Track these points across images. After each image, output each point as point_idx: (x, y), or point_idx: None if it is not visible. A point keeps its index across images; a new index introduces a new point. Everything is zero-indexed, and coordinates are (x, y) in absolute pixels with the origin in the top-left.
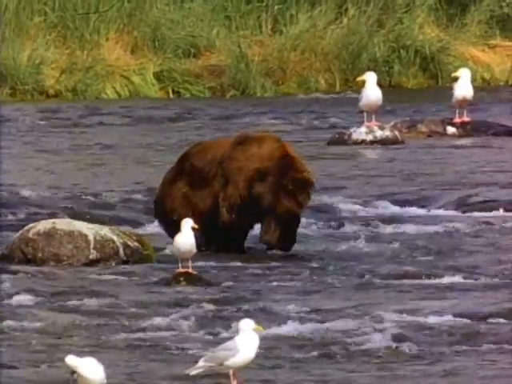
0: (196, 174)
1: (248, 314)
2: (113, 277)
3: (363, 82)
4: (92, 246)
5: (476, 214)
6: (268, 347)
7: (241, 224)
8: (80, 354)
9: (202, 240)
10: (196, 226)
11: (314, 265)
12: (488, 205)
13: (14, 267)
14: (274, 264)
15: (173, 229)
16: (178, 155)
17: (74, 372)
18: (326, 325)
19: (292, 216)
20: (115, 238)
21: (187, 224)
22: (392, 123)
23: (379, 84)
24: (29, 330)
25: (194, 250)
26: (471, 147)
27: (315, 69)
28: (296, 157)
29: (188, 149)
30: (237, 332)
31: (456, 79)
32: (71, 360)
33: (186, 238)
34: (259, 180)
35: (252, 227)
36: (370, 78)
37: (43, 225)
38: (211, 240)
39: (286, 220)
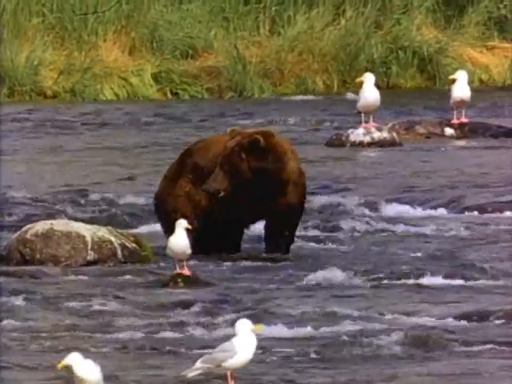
0: (198, 172)
1: (246, 315)
2: (110, 278)
3: (361, 83)
4: (90, 247)
5: (475, 215)
6: (266, 348)
7: (235, 222)
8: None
9: (203, 239)
10: (189, 227)
11: (313, 265)
12: (487, 206)
13: (11, 268)
14: (273, 265)
15: (173, 228)
16: (180, 152)
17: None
18: (326, 326)
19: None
20: (113, 239)
21: (181, 225)
22: (390, 124)
23: (377, 85)
24: (26, 331)
25: (189, 251)
26: (469, 148)
27: (313, 70)
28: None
29: (190, 145)
30: (235, 333)
31: (453, 81)
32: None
33: (181, 239)
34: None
35: (247, 227)
36: (369, 79)
37: (41, 226)
38: (212, 239)
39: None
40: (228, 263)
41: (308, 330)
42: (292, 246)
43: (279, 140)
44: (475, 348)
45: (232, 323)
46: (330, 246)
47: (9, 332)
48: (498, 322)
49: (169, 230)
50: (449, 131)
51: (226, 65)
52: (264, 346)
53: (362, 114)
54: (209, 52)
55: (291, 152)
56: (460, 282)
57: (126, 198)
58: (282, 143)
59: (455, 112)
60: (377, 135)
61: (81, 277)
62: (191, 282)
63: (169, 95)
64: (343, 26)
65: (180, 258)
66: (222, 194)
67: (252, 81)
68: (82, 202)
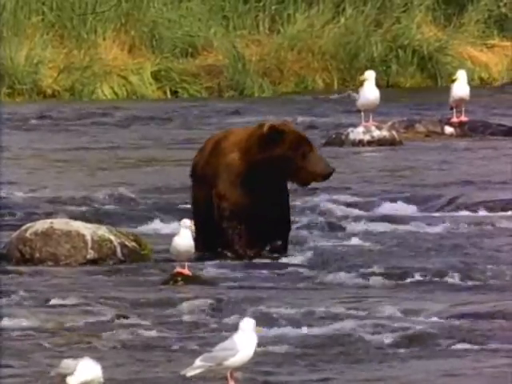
0: (196, 171)
1: (246, 315)
2: (110, 277)
3: (362, 82)
4: (89, 245)
5: (473, 214)
6: (266, 348)
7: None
8: (77, 353)
9: (204, 238)
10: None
11: (313, 265)
12: (485, 205)
13: (11, 267)
14: (273, 264)
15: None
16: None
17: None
18: (326, 325)
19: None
20: (113, 237)
21: (185, 225)
22: (390, 123)
23: (377, 84)
24: (26, 329)
25: (192, 250)
26: (469, 147)
27: (313, 68)
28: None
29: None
30: (235, 331)
31: (455, 81)
32: (66, 364)
33: (185, 238)
34: None
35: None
36: (370, 78)
37: (41, 224)
38: (213, 238)
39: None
40: (228, 262)
41: (307, 329)
42: (292, 246)
43: None
44: (475, 348)
45: (232, 322)
46: (329, 245)
47: (8, 331)
48: (497, 321)
49: None
50: (448, 130)
51: (225, 63)
52: (263, 346)
53: (362, 113)
54: (208, 50)
55: None
56: (459, 281)
57: (125, 197)
58: None
59: (455, 110)
60: (376, 134)
61: (80, 276)
62: (191, 280)
63: (168, 94)
64: (343, 25)
65: (183, 257)
66: None
67: (252, 79)
68: (82, 201)
